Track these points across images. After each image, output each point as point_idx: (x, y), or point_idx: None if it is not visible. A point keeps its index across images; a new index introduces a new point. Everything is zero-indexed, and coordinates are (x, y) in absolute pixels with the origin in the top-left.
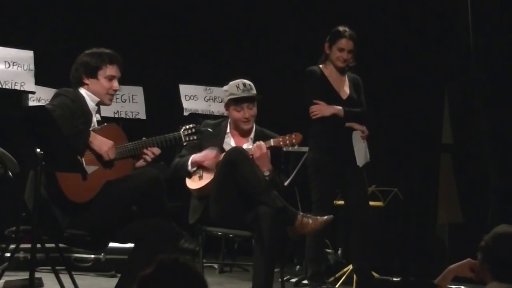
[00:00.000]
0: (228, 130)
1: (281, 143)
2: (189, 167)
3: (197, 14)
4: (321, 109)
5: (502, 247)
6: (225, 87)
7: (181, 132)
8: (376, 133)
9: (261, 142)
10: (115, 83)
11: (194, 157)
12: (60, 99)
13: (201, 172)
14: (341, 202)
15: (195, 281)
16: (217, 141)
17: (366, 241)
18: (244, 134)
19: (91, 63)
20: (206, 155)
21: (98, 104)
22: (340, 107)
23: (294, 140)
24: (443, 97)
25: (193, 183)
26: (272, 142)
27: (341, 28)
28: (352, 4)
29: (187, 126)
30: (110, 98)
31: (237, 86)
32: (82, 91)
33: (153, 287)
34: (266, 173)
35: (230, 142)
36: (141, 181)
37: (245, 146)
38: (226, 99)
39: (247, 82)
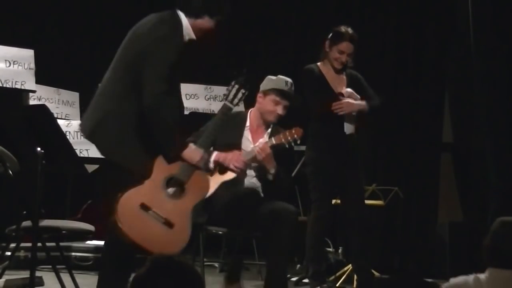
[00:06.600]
0: (247, 124)
1: (283, 139)
2: (211, 164)
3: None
4: (347, 105)
5: (501, 236)
6: (271, 77)
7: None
8: (376, 132)
9: (265, 145)
10: None
11: (218, 154)
12: None
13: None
14: None
15: (190, 278)
16: (235, 134)
17: (365, 240)
18: (262, 129)
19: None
20: (231, 158)
21: None
22: (364, 103)
23: (295, 135)
24: (444, 96)
25: None
26: (273, 140)
27: (343, 29)
28: (352, 4)
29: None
30: None
31: (286, 82)
32: None
33: (148, 286)
34: (272, 171)
35: (248, 137)
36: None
37: (261, 141)
38: (269, 87)
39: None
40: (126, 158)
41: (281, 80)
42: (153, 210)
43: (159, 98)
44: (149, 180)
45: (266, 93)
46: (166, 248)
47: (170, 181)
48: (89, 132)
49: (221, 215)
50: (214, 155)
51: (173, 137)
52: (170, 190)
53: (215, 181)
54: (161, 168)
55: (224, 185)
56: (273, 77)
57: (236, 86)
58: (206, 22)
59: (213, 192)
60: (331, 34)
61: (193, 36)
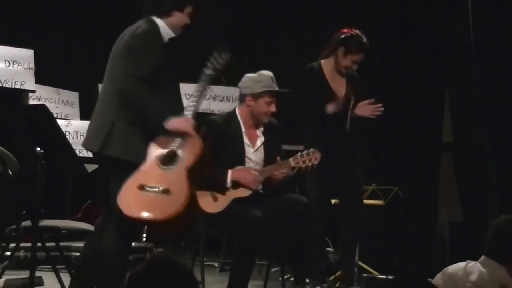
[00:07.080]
0: (243, 129)
1: (301, 163)
2: (228, 180)
3: (196, 13)
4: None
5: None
6: (255, 76)
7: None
8: (377, 132)
9: (284, 171)
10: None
11: (234, 173)
12: None
13: (215, 193)
14: None
15: (185, 278)
16: (236, 143)
17: (358, 239)
18: (254, 129)
19: None
20: (248, 179)
21: None
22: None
23: (314, 159)
24: (444, 96)
25: (207, 206)
26: (292, 162)
27: (362, 40)
28: (352, 4)
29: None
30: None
31: (272, 78)
32: None
33: (144, 284)
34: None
35: (247, 142)
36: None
37: (258, 142)
38: (259, 89)
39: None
40: (140, 155)
41: (268, 79)
42: (149, 186)
43: (134, 81)
44: (144, 164)
45: (257, 96)
46: (167, 210)
47: (164, 157)
48: (100, 146)
49: (231, 225)
50: (230, 174)
51: (156, 116)
52: (167, 163)
53: (228, 197)
54: (153, 151)
55: (236, 199)
56: (254, 75)
57: (216, 55)
58: (178, 18)
59: (226, 207)
60: (346, 40)
61: (173, 34)
